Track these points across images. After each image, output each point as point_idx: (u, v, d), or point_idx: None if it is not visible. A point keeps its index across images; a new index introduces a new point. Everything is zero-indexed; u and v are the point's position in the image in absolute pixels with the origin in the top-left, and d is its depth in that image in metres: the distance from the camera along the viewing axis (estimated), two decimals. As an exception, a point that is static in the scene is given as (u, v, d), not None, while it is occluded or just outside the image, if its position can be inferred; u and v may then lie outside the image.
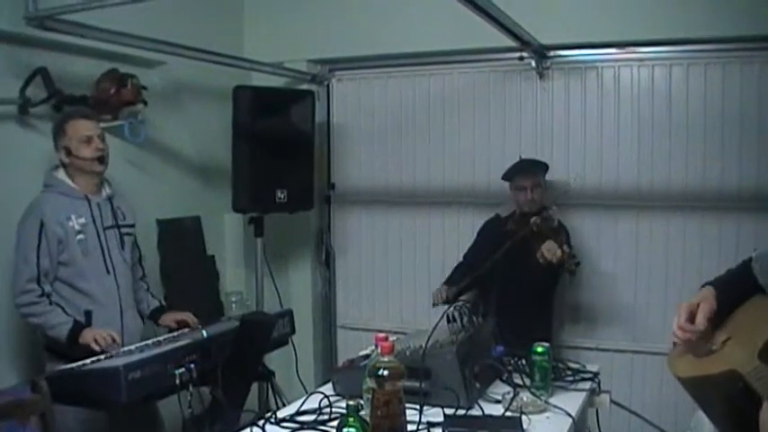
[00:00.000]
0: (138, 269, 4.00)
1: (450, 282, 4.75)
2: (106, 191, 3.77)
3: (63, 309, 3.46)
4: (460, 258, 4.95)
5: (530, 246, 4.30)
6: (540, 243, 4.26)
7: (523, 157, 4.81)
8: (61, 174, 3.63)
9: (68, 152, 3.60)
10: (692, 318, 2.10)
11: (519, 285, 4.43)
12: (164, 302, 4.10)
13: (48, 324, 3.44)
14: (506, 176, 4.72)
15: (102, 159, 3.65)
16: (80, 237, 3.55)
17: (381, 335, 2.57)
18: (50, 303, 3.45)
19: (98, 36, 3.93)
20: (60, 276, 3.53)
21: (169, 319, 3.89)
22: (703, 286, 2.21)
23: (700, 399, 2.05)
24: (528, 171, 4.65)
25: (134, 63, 4.53)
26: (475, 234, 4.94)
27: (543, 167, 4.71)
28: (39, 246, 3.43)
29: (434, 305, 4.56)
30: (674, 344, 2.15)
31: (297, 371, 4.22)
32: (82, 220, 3.58)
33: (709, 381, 1.92)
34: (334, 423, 2.56)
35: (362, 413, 2.29)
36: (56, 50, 4.05)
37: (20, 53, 3.90)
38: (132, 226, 3.89)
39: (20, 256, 3.46)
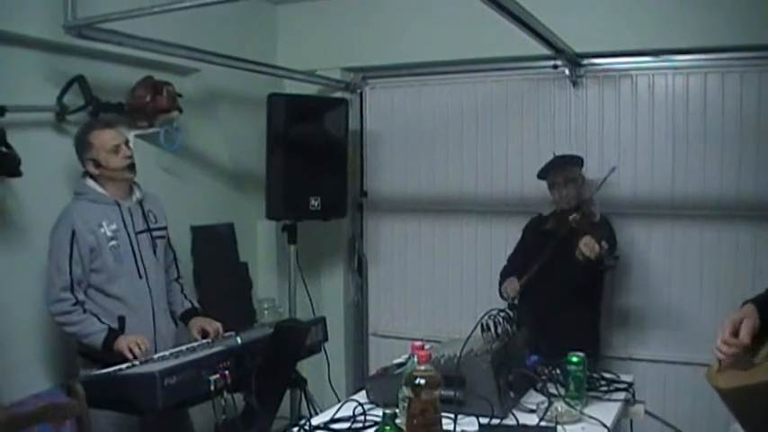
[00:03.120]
0: (172, 270, 4.01)
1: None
2: (136, 195, 3.78)
3: (97, 317, 3.48)
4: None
5: (570, 244, 4.18)
6: (579, 240, 4.15)
7: (557, 153, 4.73)
8: (91, 181, 3.64)
9: (97, 164, 3.61)
10: (735, 333, 2.08)
11: (562, 286, 4.32)
12: (196, 304, 4.08)
13: (82, 333, 3.46)
14: (541, 174, 4.65)
15: (132, 167, 3.68)
16: (113, 243, 3.57)
17: (418, 343, 2.58)
18: (84, 312, 3.47)
19: (134, 44, 3.97)
20: (93, 283, 3.55)
21: (196, 327, 3.85)
22: (744, 304, 2.19)
23: (741, 411, 2.03)
24: (560, 167, 4.56)
25: (169, 71, 4.58)
26: (507, 242, 4.90)
27: (577, 162, 4.62)
28: (71, 254, 3.45)
29: (507, 299, 4.44)
30: (719, 361, 2.11)
31: (329, 378, 4.23)
32: (113, 226, 3.60)
33: (754, 391, 1.90)
34: (369, 431, 2.56)
35: (398, 421, 2.29)
36: (93, 58, 4.09)
37: (58, 61, 3.95)
38: (164, 228, 3.91)
39: (52, 265, 3.48)
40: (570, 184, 4.50)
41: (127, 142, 3.72)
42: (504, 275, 4.64)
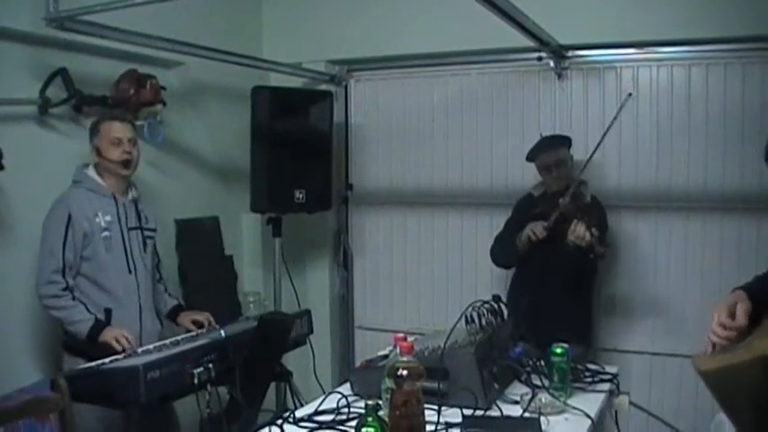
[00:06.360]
0: (155, 273, 4.04)
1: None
2: (132, 193, 3.83)
3: (85, 306, 3.50)
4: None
5: (561, 228, 4.09)
6: (569, 225, 4.03)
7: (544, 134, 4.69)
8: (91, 171, 3.70)
9: (98, 152, 3.67)
10: (731, 316, 2.07)
11: (554, 272, 4.29)
12: (182, 302, 4.12)
13: (69, 319, 3.48)
14: (529, 157, 4.59)
15: (127, 163, 3.70)
16: (105, 234, 3.61)
17: (400, 335, 2.58)
18: (73, 299, 3.49)
19: (117, 37, 3.94)
20: (83, 272, 3.57)
21: (187, 319, 3.92)
22: (733, 291, 2.18)
23: (724, 396, 2.01)
24: (549, 148, 4.49)
25: (153, 63, 4.57)
26: (492, 234, 4.80)
27: (566, 142, 4.56)
28: (65, 238, 3.49)
29: (534, 239, 4.21)
30: (713, 345, 2.09)
31: (314, 371, 4.23)
32: (108, 218, 3.64)
33: (738, 370, 1.89)
34: (353, 423, 2.56)
35: (381, 413, 2.29)
36: (75, 51, 4.07)
37: (40, 54, 3.92)
38: (154, 230, 3.95)
39: (45, 248, 3.51)
40: (561, 165, 4.44)
41: (132, 140, 3.75)
42: (496, 248, 4.58)
